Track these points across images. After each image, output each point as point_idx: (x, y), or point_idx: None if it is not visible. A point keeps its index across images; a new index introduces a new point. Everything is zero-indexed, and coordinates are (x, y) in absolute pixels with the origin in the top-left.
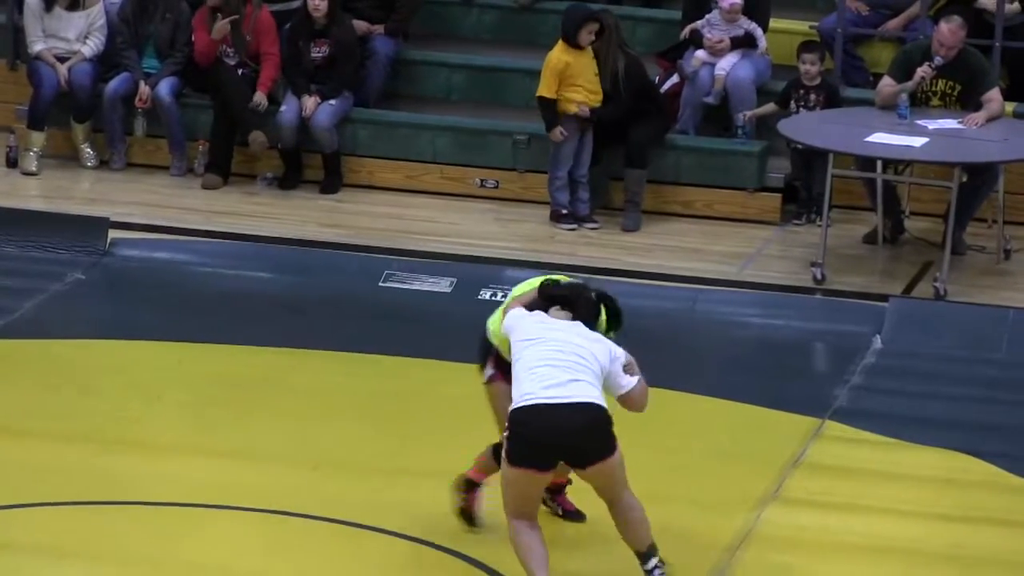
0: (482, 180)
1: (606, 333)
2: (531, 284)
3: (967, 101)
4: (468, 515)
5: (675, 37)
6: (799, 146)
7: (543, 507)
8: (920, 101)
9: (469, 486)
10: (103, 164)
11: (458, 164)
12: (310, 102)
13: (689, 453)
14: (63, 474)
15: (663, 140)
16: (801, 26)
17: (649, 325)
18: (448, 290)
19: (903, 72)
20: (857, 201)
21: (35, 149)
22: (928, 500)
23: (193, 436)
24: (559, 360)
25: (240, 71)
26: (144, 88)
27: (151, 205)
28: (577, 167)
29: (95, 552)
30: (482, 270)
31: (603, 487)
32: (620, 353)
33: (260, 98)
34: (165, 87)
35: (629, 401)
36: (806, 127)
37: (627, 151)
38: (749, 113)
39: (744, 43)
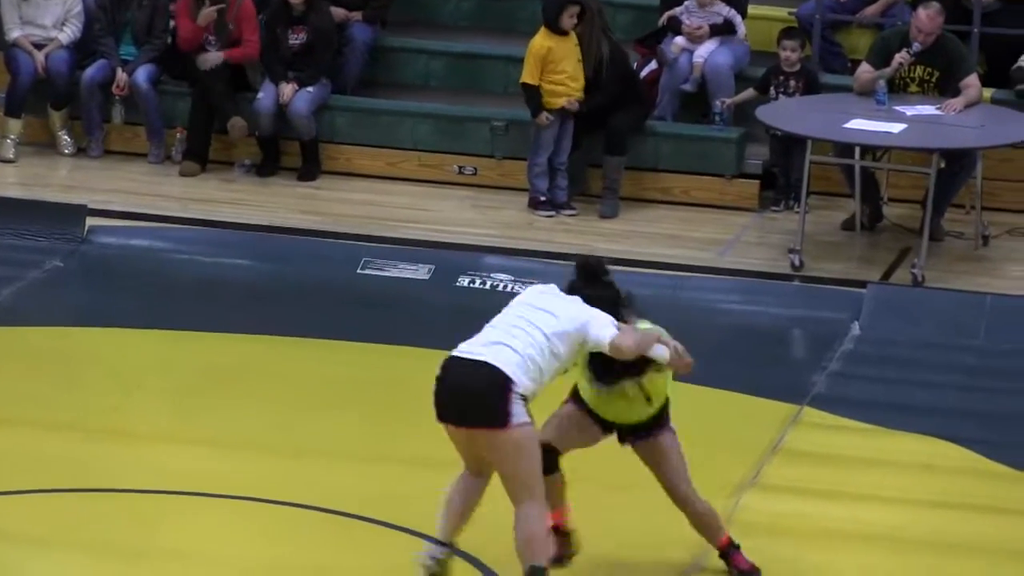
0: (460, 167)
1: None
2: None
3: (945, 87)
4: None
5: (653, 23)
6: (777, 132)
7: None
8: (898, 87)
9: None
10: (81, 151)
11: (436, 151)
12: (288, 89)
13: None
14: (43, 462)
15: (642, 127)
16: (780, 12)
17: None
18: (426, 277)
19: (881, 58)
20: (835, 188)
21: (12, 136)
22: (907, 486)
23: (173, 424)
24: (503, 323)
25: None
26: (121, 75)
27: (129, 192)
28: (557, 154)
29: (76, 540)
30: (460, 257)
31: (494, 464)
32: (602, 317)
33: (216, 58)
34: (143, 74)
35: (617, 350)
36: (784, 113)
37: (606, 138)
38: (728, 100)
39: (723, 30)
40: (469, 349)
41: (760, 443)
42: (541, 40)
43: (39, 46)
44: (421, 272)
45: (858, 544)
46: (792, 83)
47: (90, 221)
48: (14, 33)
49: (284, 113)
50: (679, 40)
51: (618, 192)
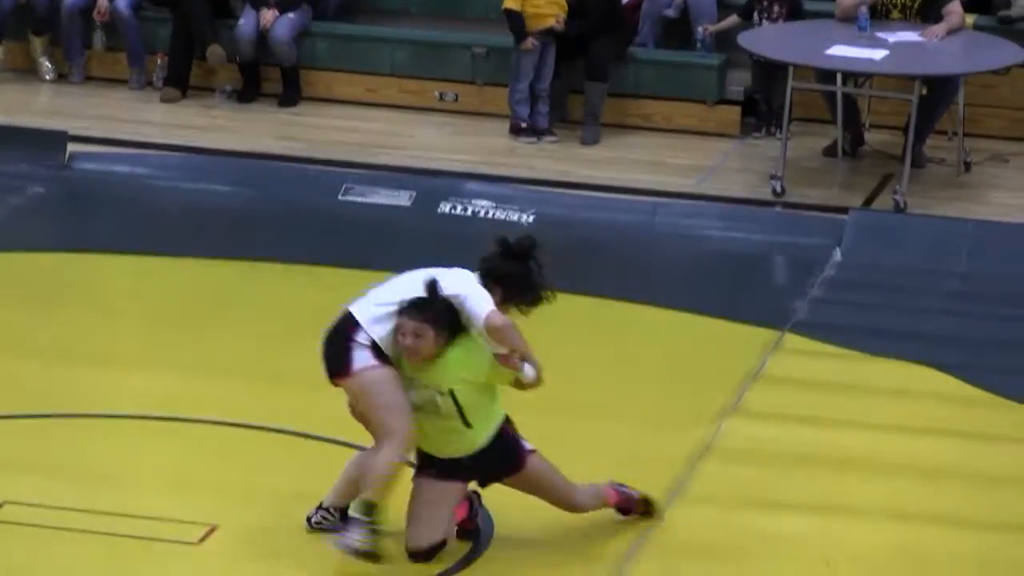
0: (441, 93)
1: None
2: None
3: (927, 13)
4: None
5: None
6: (760, 59)
7: None
8: (880, 14)
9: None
10: (62, 77)
11: (417, 77)
12: (268, 15)
13: (647, 365)
14: (21, 387)
15: (624, 54)
16: None
17: (607, 238)
18: (407, 203)
19: None
20: (817, 114)
21: None
22: (886, 411)
23: (152, 349)
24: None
25: None
26: (102, 1)
27: (110, 119)
28: (538, 80)
29: (53, 464)
30: (441, 183)
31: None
32: (484, 295)
33: None
34: (124, 0)
35: (492, 328)
36: (766, 40)
37: (587, 64)
38: (711, 27)
39: None
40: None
41: (741, 369)
42: None
43: None
44: (402, 198)
45: (838, 469)
46: (775, 9)
47: (71, 147)
48: None
49: (265, 39)
50: None
51: (599, 119)
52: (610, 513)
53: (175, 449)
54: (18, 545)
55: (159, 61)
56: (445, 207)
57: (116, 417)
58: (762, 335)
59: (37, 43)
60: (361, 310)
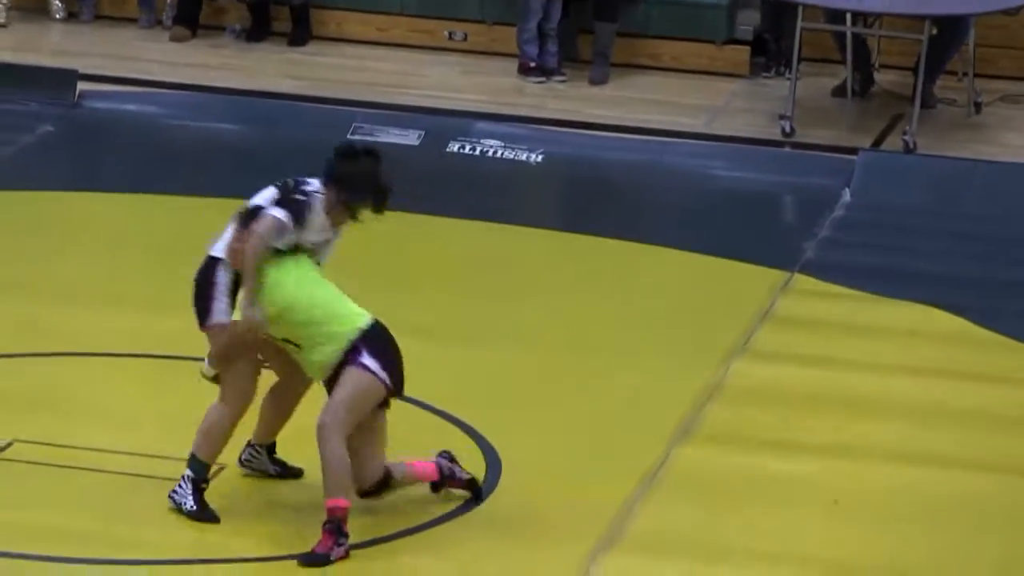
0: (450, 32)
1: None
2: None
3: None
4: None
5: None
6: None
7: None
8: None
9: None
10: (72, 16)
11: (427, 16)
12: None
13: (655, 306)
14: (31, 326)
15: None
16: None
17: (615, 177)
18: (416, 143)
19: None
20: (827, 54)
21: (3, 1)
22: (897, 352)
23: (159, 289)
24: None
25: None
26: None
27: (120, 57)
28: (546, 19)
29: (62, 403)
30: (451, 122)
31: None
32: (264, 213)
33: None
34: None
35: (259, 222)
36: None
37: (596, 4)
38: None
39: None
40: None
41: (750, 309)
42: None
43: None
44: (411, 137)
45: (848, 409)
46: None
47: (81, 86)
48: None
49: None
50: None
51: (608, 58)
52: (618, 463)
53: (182, 388)
54: (27, 482)
55: (168, 0)
56: (454, 146)
57: (124, 356)
58: (771, 276)
59: None
60: (218, 249)
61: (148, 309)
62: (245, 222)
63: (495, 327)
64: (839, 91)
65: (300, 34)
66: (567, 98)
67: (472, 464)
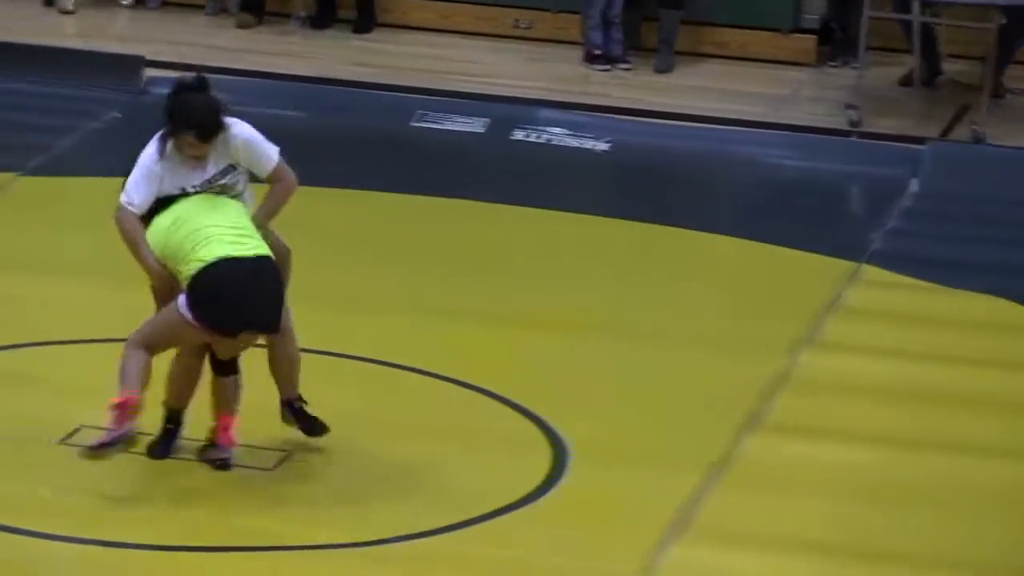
0: (516, 20)
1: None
2: None
3: None
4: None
5: None
6: None
7: None
8: None
9: None
10: (139, 3)
11: (492, 4)
12: None
13: (721, 295)
14: (103, 312)
15: None
16: None
17: (680, 166)
18: (481, 130)
19: None
20: (894, 43)
21: None
22: (967, 344)
23: None
24: None
25: None
26: None
27: (186, 44)
28: (610, 6)
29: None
30: (516, 110)
31: None
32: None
33: None
34: None
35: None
36: None
37: None
38: None
39: None
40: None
41: (817, 300)
42: None
43: None
44: (476, 125)
45: (918, 402)
46: None
47: (148, 72)
48: None
49: None
50: None
51: (673, 46)
52: (685, 452)
53: (246, 374)
54: (93, 468)
55: None
56: (519, 134)
57: None
58: (838, 266)
59: None
60: None
61: None
62: None
63: (559, 315)
64: (906, 80)
65: (365, 21)
66: (632, 86)
67: (539, 452)
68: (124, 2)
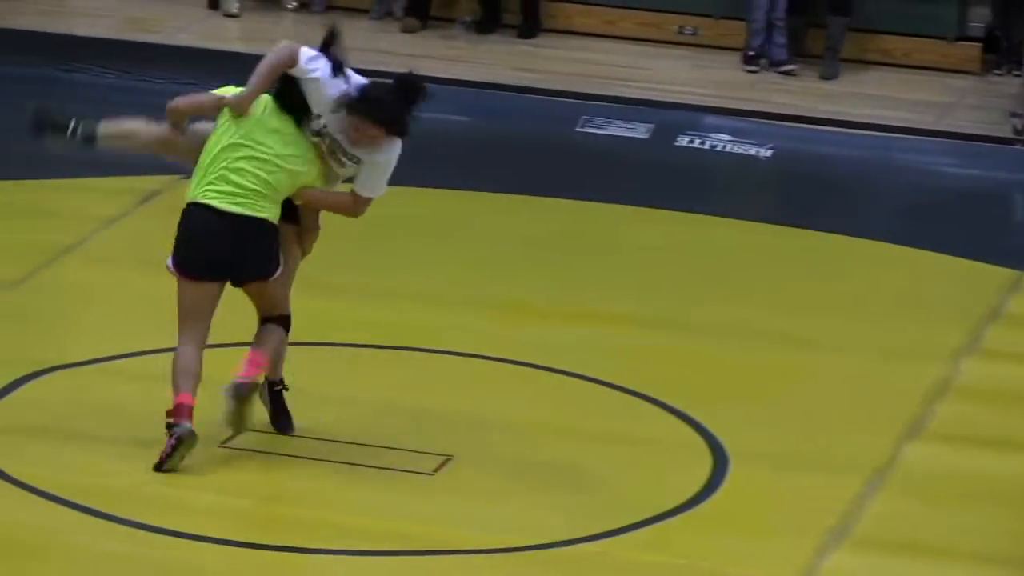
0: (681, 27)
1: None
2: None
3: None
4: None
5: None
6: None
7: None
8: None
9: None
10: (303, 6)
11: (656, 10)
12: None
13: (882, 302)
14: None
15: None
16: None
17: (843, 173)
18: (645, 136)
19: None
20: None
21: None
22: None
23: (377, 278)
24: None
25: None
26: None
27: (350, 48)
28: (773, 8)
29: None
30: (680, 116)
31: None
32: None
33: None
34: None
35: None
36: None
37: None
38: None
39: None
40: None
41: (979, 308)
42: None
43: None
44: (640, 131)
45: None
46: None
47: None
48: None
49: None
50: None
51: (839, 53)
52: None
53: (408, 379)
54: (260, 472)
55: None
56: (683, 140)
57: (346, 346)
58: (1001, 274)
59: None
60: None
61: (368, 299)
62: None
63: (717, 320)
64: None
65: (530, 26)
66: (796, 93)
67: (698, 458)
68: (289, 5)
